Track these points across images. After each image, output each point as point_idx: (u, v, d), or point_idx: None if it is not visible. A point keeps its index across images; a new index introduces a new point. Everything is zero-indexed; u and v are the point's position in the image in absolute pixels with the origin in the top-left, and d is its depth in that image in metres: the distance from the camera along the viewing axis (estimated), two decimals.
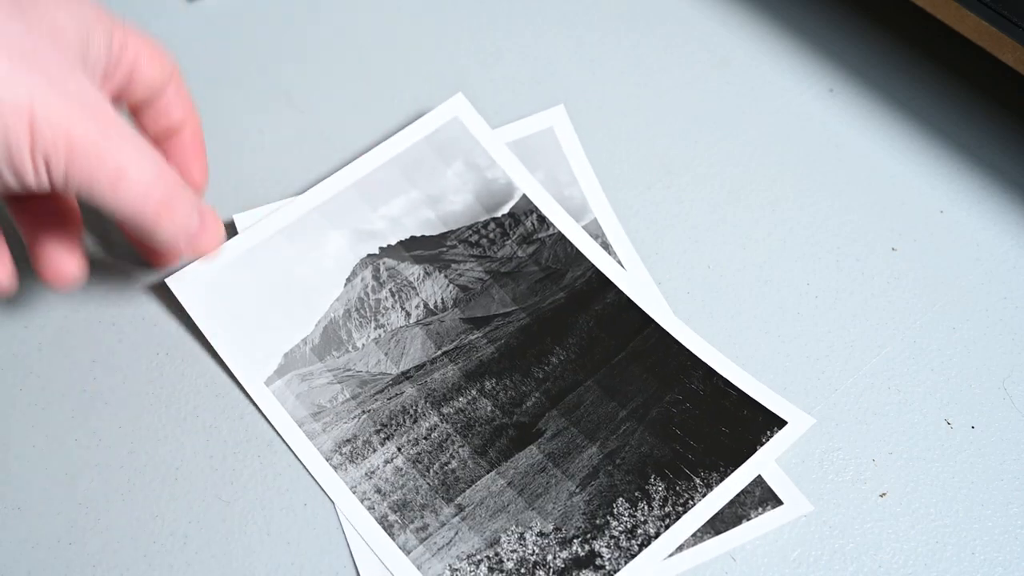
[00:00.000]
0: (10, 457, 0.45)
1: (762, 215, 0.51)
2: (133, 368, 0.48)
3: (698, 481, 0.43)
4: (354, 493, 0.44)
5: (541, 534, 0.42)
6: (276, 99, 0.56)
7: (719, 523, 0.42)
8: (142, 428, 0.46)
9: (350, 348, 0.47)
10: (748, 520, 0.42)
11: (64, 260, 0.41)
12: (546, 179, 0.52)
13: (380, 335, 0.48)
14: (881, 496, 0.43)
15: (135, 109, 0.44)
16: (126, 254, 0.51)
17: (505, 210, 0.51)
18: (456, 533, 0.43)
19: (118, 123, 0.38)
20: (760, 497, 0.43)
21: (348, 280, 0.49)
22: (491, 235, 0.50)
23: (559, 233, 0.50)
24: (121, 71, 0.42)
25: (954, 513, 0.43)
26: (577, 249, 0.49)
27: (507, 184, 0.51)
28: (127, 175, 0.38)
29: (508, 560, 0.42)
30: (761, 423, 0.44)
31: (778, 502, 0.43)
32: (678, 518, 0.42)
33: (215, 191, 0.52)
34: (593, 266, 0.49)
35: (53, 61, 0.37)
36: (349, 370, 0.47)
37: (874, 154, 0.53)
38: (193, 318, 0.47)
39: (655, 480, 0.43)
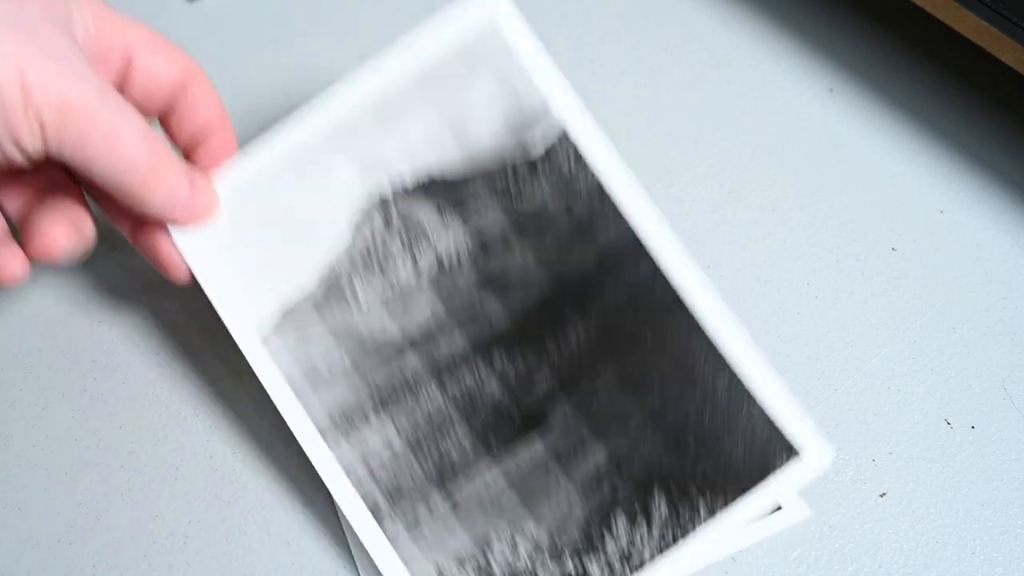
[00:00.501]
0: (10, 457, 0.45)
1: (762, 215, 0.51)
2: (133, 368, 0.48)
3: (702, 507, 0.40)
4: (348, 475, 0.41)
5: (534, 543, 0.41)
6: (275, 98, 0.56)
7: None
8: (142, 428, 0.46)
9: (354, 309, 0.43)
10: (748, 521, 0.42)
11: (58, 232, 0.40)
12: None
13: (388, 295, 0.43)
14: (881, 496, 0.43)
15: (159, 117, 0.43)
16: (128, 254, 0.51)
17: (540, 150, 0.42)
18: (446, 529, 0.41)
19: (108, 88, 0.37)
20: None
21: (357, 228, 0.43)
22: (520, 180, 0.43)
23: (598, 181, 0.42)
24: (115, 58, 0.41)
25: (954, 513, 0.43)
26: (615, 202, 0.41)
27: (545, 115, 0.42)
28: (121, 135, 0.37)
29: (495, 565, 0.41)
30: (777, 448, 0.40)
31: (776, 507, 0.43)
32: (675, 542, 0.40)
33: None
34: (630, 225, 0.41)
35: (42, 27, 0.36)
36: (351, 333, 0.43)
37: (874, 154, 0.53)
38: (188, 263, 0.43)
39: (658, 495, 0.40)
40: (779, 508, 0.43)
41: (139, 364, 0.48)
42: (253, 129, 0.55)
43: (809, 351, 0.47)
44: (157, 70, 0.42)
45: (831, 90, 0.55)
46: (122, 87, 0.42)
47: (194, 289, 0.50)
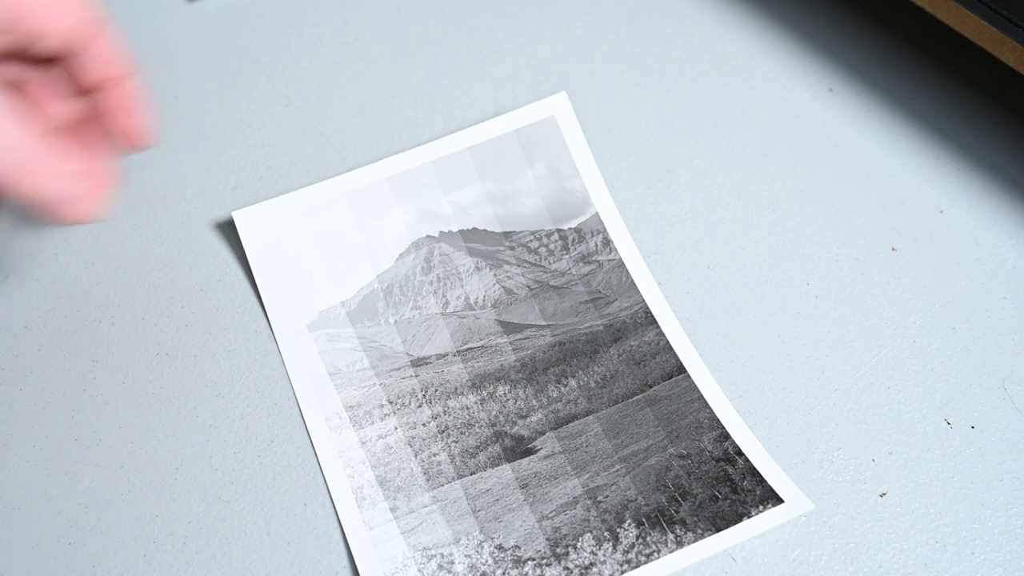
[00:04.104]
0: (10, 457, 0.45)
1: (762, 215, 0.51)
2: (133, 368, 0.48)
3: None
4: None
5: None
6: (275, 98, 0.56)
7: (719, 520, 0.42)
8: (142, 428, 0.46)
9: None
10: (749, 518, 0.42)
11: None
12: (547, 171, 0.51)
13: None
14: (881, 496, 0.43)
15: (48, 60, 0.41)
16: (128, 253, 0.51)
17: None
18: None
19: None
20: (761, 495, 0.43)
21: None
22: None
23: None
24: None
25: (954, 513, 0.43)
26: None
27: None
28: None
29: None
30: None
31: (779, 500, 0.43)
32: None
33: (215, 188, 0.52)
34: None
35: None
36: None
37: (874, 154, 0.53)
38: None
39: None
40: (782, 502, 0.43)
41: (139, 364, 0.48)
42: (251, 127, 0.55)
43: (809, 351, 0.47)
44: (43, 20, 0.39)
45: (831, 90, 0.55)
46: (13, 48, 0.40)
47: (194, 290, 0.50)
